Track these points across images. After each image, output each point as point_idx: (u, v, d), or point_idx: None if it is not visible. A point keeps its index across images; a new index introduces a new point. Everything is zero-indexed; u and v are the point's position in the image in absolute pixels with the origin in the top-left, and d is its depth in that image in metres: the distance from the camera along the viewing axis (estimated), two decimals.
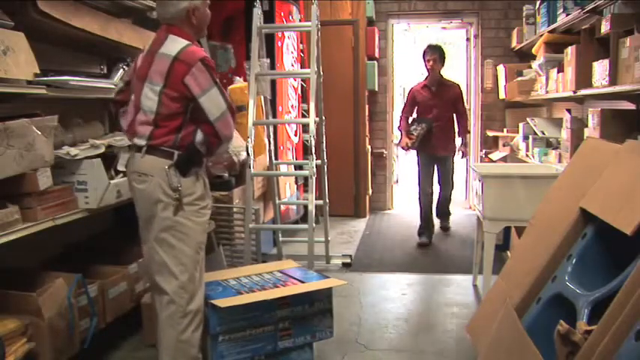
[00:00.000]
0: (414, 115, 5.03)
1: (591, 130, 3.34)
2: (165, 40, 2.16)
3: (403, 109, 5.08)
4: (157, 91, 2.11)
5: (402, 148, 5.03)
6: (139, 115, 2.16)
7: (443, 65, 4.89)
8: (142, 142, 2.14)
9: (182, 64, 2.09)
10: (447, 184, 5.14)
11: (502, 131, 6.01)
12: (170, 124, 2.12)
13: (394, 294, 3.64)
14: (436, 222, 5.22)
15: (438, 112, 4.85)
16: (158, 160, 2.11)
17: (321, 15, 3.96)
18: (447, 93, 4.89)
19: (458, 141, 5.10)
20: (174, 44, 2.13)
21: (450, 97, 4.89)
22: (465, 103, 5.08)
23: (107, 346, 2.80)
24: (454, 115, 4.94)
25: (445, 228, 5.38)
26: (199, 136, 2.18)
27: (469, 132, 5.31)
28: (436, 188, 5.17)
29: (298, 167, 4.80)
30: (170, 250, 2.14)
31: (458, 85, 5.02)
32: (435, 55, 4.82)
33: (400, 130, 5.12)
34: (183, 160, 2.13)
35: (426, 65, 4.88)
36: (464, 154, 5.16)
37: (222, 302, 2.23)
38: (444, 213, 5.39)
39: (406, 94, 5.52)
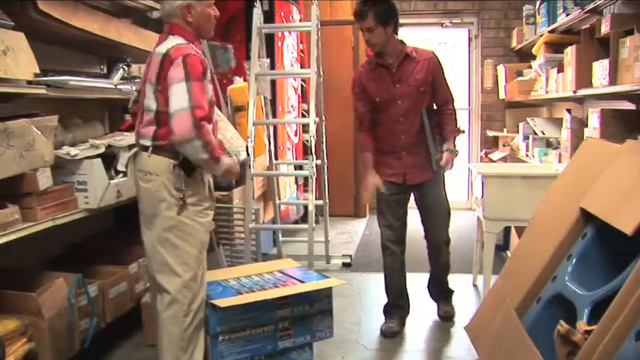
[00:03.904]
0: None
1: (591, 130, 3.34)
2: (164, 40, 2.18)
3: (357, 116, 3.06)
4: (153, 90, 2.11)
5: (370, 192, 3.05)
6: (144, 116, 2.17)
7: (395, 27, 2.86)
8: (147, 142, 2.14)
9: (169, 59, 2.08)
10: (436, 233, 3.09)
11: (502, 131, 6.00)
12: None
13: None
14: (427, 306, 3.32)
15: (404, 106, 2.88)
16: (164, 160, 2.12)
17: (321, 15, 3.97)
18: (412, 72, 2.88)
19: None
20: (169, 42, 2.14)
21: (421, 77, 2.87)
22: (449, 85, 3.02)
23: (107, 346, 2.80)
24: (433, 106, 3.00)
25: (447, 316, 3.22)
26: None
27: (461, 131, 3.24)
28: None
29: (298, 167, 4.80)
30: (173, 250, 2.15)
31: (433, 53, 2.95)
32: (366, 17, 2.78)
33: (364, 155, 3.05)
34: (188, 161, 2.13)
35: (366, 42, 2.95)
36: (444, 164, 2.92)
37: (222, 302, 2.23)
38: (440, 290, 3.29)
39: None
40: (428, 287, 3.34)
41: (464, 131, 2.97)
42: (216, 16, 2.28)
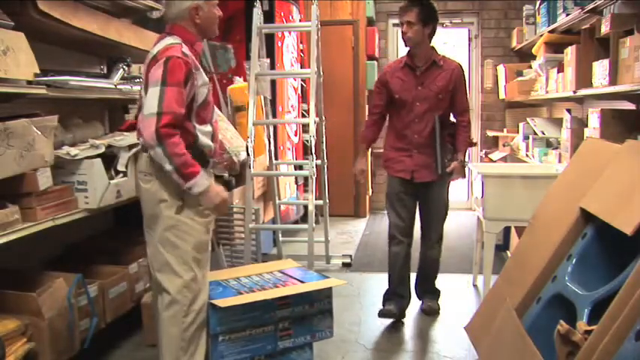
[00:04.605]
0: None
1: (591, 130, 3.34)
2: (159, 41, 2.18)
3: (370, 108, 3.31)
4: (144, 93, 2.12)
5: (357, 176, 3.26)
6: (140, 116, 2.17)
7: (432, 31, 3.03)
8: None
9: (155, 60, 2.08)
10: (431, 229, 3.21)
11: (502, 131, 6.01)
12: None
13: None
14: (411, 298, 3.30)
15: (421, 108, 3.05)
16: None
17: (321, 15, 3.96)
18: (436, 78, 3.05)
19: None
20: (162, 43, 2.13)
21: (442, 85, 3.05)
22: (467, 97, 3.17)
23: (107, 346, 2.80)
24: (450, 113, 3.16)
25: (430, 311, 3.29)
26: (202, 136, 2.18)
27: (473, 143, 3.31)
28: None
29: (298, 167, 4.80)
30: (173, 250, 2.15)
31: (458, 65, 3.13)
32: (410, 12, 2.97)
33: (361, 145, 3.33)
34: None
35: (402, 35, 3.06)
36: (449, 171, 3.08)
37: (222, 302, 2.23)
38: (426, 287, 3.36)
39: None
40: (415, 287, 3.38)
41: (476, 143, 3.20)
42: (220, 16, 2.28)
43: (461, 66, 3.14)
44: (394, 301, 3.18)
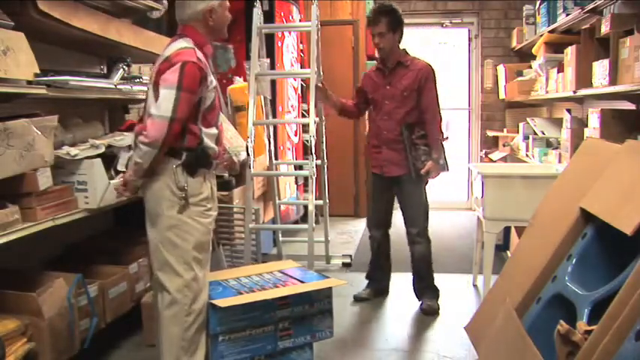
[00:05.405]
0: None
1: (591, 130, 3.34)
2: (172, 42, 2.18)
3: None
4: (153, 93, 2.12)
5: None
6: (146, 117, 2.17)
7: (400, 36, 3.26)
8: None
9: (168, 62, 2.08)
10: (410, 224, 3.36)
11: (502, 131, 6.01)
12: None
13: (394, 294, 3.64)
14: (410, 299, 3.47)
15: (389, 107, 3.27)
16: (166, 159, 2.12)
17: (321, 15, 3.96)
18: (402, 78, 3.24)
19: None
20: (174, 46, 2.14)
21: (407, 83, 3.22)
22: (436, 97, 3.27)
23: (107, 346, 2.80)
24: (422, 113, 3.25)
25: (429, 310, 3.32)
26: (207, 139, 2.19)
27: (443, 138, 3.34)
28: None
29: (298, 167, 4.80)
30: (174, 249, 2.15)
31: (427, 65, 3.26)
32: (380, 23, 3.21)
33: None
34: (191, 160, 2.14)
35: (375, 46, 3.32)
36: (425, 172, 3.22)
37: (222, 302, 2.23)
38: (422, 285, 3.41)
39: None
40: (413, 285, 3.48)
41: (447, 137, 3.35)
42: (230, 18, 2.29)
43: (429, 66, 3.28)
44: (370, 284, 3.59)
